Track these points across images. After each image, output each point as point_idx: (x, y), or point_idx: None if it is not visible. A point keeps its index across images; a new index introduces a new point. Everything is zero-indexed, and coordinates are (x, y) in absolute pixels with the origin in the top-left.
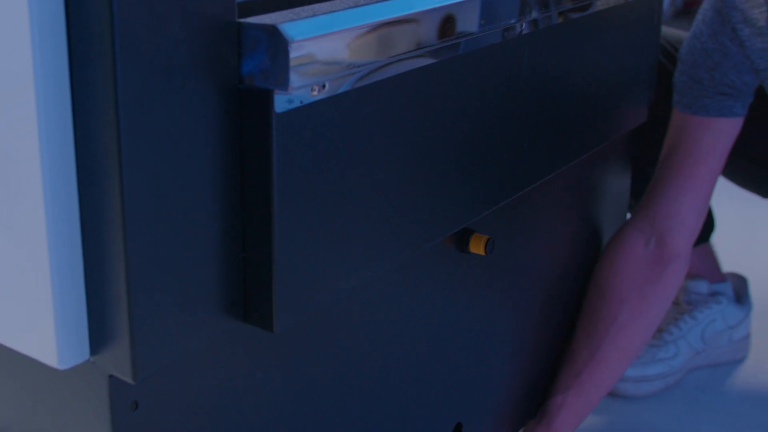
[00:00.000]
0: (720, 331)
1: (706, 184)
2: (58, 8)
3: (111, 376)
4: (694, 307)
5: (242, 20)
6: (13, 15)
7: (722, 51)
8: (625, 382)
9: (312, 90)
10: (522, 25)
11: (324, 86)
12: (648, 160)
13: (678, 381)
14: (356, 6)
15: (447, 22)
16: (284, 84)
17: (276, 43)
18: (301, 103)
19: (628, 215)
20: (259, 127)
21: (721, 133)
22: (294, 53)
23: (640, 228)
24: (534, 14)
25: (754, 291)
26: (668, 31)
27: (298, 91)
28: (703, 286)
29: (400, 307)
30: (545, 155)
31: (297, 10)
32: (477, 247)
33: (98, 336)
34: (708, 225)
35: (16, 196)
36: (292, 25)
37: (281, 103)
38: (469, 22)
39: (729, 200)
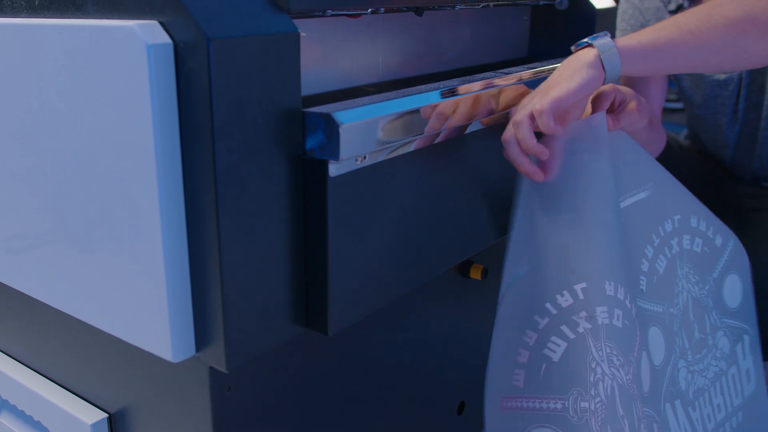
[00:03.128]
0: None
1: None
2: (172, 102)
3: (210, 367)
4: None
5: (306, 109)
6: (142, 111)
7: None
8: None
9: (356, 160)
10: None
11: (365, 157)
12: None
13: None
14: (387, 100)
15: (451, 112)
16: (336, 156)
17: (330, 126)
18: (349, 169)
19: None
20: (318, 186)
21: None
22: (343, 133)
23: None
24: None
25: None
26: None
27: (346, 161)
28: None
29: (419, 315)
30: None
31: (345, 102)
32: (476, 273)
33: (201, 338)
34: None
35: (143, 233)
36: (342, 113)
37: (334, 169)
38: (464, 115)
39: None
